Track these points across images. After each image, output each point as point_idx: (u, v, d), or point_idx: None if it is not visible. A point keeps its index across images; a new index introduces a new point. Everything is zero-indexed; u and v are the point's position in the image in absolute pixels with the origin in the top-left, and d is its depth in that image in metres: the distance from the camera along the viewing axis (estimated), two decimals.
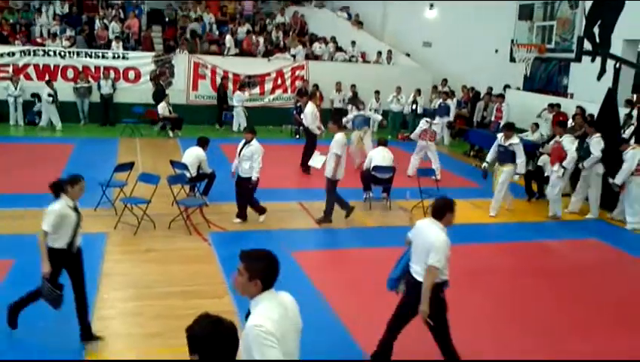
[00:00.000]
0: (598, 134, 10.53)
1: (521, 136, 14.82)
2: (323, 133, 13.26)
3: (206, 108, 18.26)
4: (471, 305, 6.87)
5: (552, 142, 11.17)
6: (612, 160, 10.78)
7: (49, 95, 16.39)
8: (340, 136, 9.33)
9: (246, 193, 9.02)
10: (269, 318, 3.05)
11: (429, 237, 4.99)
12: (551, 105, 15.02)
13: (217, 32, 20.65)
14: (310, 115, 13.02)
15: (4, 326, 5.65)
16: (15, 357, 5.33)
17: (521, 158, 10.18)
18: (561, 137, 10.47)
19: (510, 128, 10.54)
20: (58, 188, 5.50)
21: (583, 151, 10.55)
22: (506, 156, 10.29)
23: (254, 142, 8.86)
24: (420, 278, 5.05)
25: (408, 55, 21.16)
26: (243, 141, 8.98)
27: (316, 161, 10.29)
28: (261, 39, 20.13)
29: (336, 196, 9.55)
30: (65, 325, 5.71)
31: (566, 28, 16.97)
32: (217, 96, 18.43)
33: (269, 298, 3.18)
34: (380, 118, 15.11)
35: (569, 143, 10.27)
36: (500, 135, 10.58)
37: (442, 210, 5.06)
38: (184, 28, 20.03)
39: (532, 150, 14.04)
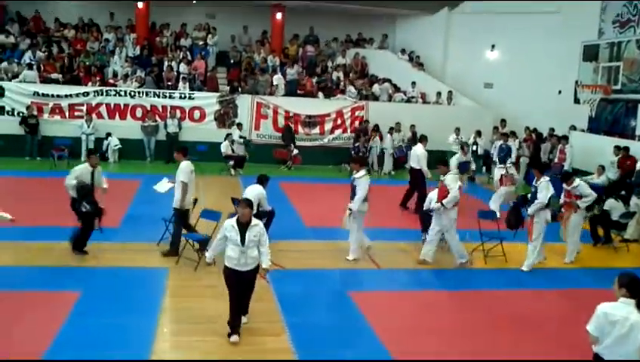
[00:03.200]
0: (547, 178, 9.71)
1: (586, 179, 14.48)
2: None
3: (268, 147, 18.61)
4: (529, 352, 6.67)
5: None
6: None
7: (240, 136, 17.86)
8: (184, 165, 9.08)
9: (251, 289, 6.68)
10: None
11: None
12: (617, 148, 14.57)
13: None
14: (423, 156, 13.14)
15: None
16: None
17: (358, 194, 9.23)
18: (444, 176, 9.62)
19: (356, 161, 9.86)
20: None
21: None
22: (353, 194, 9.41)
23: (256, 220, 6.59)
24: None
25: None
26: (234, 220, 6.50)
27: (161, 186, 9.74)
28: (313, 80, 20.59)
29: (179, 230, 9.18)
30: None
31: (634, 68, 16.63)
32: (355, 138, 18.95)
33: None
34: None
35: (452, 181, 9.43)
36: None
37: None
38: (248, 70, 20.61)
39: (599, 193, 13.65)
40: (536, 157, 17.36)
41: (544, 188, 9.50)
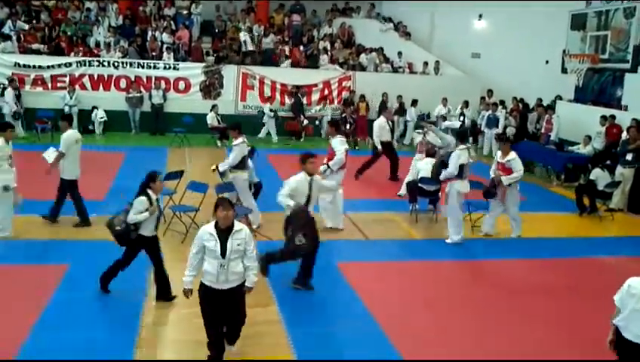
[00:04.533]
0: (463, 146, 9.34)
1: (573, 149, 14.58)
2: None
3: (254, 119, 18.47)
4: (517, 327, 6.73)
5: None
6: None
7: (270, 110, 18.10)
8: (66, 135, 8.91)
9: (241, 310, 5.47)
10: None
11: None
12: (604, 117, 14.63)
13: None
14: (377, 127, 13.12)
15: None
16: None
17: (230, 158, 9.16)
18: (332, 137, 9.57)
19: (234, 128, 9.45)
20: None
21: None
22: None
23: (240, 224, 5.35)
24: None
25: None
26: (211, 226, 5.25)
27: (48, 154, 9.26)
28: (290, 50, 20.42)
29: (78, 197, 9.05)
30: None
31: (621, 37, 16.58)
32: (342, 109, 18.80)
33: None
34: None
35: (338, 144, 9.34)
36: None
37: None
38: (233, 39, 20.35)
39: (584, 163, 13.75)
40: (523, 127, 17.40)
41: (454, 157, 9.17)
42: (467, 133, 9.96)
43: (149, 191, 6.51)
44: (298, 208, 6.98)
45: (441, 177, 9.44)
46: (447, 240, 9.35)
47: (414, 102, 18.76)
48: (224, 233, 5.17)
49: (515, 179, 9.42)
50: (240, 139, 9.33)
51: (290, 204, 6.98)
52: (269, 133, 18.18)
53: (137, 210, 6.40)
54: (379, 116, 14.10)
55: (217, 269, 5.16)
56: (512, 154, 9.50)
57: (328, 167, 9.40)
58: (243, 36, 19.93)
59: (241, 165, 9.24)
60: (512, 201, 9.63)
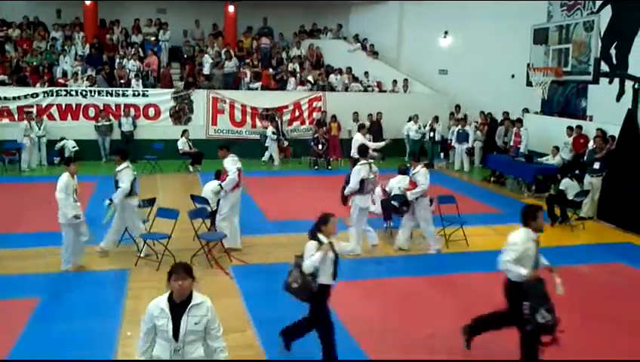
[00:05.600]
0: (363, 161, 9.47)
1: (541, 160, 14.82)
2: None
3: (228, 143, 18.40)
4: (493, 338, 6.75)
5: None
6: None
7: (273, 133, 18.07)
8: None
9: None
10: None
11: None
12: (570, 128, 14.92)
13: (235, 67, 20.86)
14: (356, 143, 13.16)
15: None
16: None
17: (122, 186, 9.00)
18: (224, 159, 9.50)
19: (118, 152, 9.63)
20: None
21: None
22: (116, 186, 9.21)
23: (200, 297, 4.30)
24: None
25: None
26: (164, 299, 4.25)
27: None
28: (253, 73, 20.46)
29: None
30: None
31: (582, 50, 16.99)
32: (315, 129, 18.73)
33: None
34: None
35: (230, 164, 9.26)
36: None
37: None
38: (201, 64, 20.37)
39: (553, 174, 13.97)
40: (491, 140, 17.65)
41: (355, 173, 9.33)
42: (367, 149, 10.13)
43: (320, 236, 5.94)
44: (534, 278, 5.57)
45: (345, 192, 9.54)
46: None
47: (411, 119, 19.05)
48: (178, 308, 4.15)
49: (418, 193, 9.45)
50: (124, 164, 9.20)
51: (523, 274, 5.53)
52: (271, 157, 18.25)
53: (309, 256, 5.86)
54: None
55: (170, 355, 4.14)
56: (418, 168, 9.60)
57: (221, 187, 9.30)
58: (206, 59, 20.04)
59: (131, 191, 9.15)
60: (422, 217, 9.65)
